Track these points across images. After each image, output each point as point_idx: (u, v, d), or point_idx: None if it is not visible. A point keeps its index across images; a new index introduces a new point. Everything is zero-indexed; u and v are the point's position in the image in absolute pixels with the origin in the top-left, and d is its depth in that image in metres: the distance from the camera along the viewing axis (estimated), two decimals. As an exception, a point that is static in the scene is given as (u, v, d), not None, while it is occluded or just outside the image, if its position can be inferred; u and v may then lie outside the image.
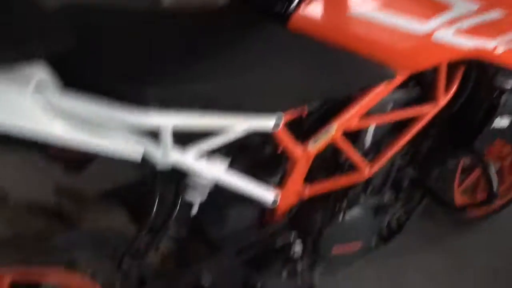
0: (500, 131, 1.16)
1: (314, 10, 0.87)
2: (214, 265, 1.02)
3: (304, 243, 1.12)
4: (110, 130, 0.73)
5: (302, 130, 1.02)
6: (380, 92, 1.01)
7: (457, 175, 1.43)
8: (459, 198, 1.59)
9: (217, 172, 0.92)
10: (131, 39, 0.80)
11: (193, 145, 0.85)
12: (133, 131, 0.76)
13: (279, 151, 1.01)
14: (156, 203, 0.89)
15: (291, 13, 0.86)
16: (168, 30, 0.86)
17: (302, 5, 0.86)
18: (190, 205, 0.98)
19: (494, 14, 0.93)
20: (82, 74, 0.70)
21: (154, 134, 0.79)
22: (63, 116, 0.67)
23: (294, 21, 0.87)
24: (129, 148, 0.76)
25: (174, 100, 0.75)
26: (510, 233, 1.78)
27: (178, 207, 0.90)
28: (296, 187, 1.08)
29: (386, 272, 1.63)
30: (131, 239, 0.87)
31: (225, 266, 1.03)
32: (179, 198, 0.91)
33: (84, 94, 0.68)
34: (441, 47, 0.94)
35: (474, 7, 0.92)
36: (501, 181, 1.71)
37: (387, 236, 1.37)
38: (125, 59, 0.75)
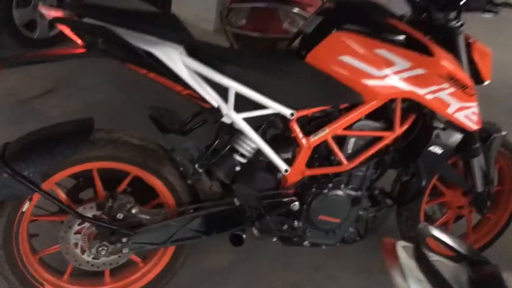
0: (435, 157, 1.81)
1: (317, 55, 1.64)
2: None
3: (300, 206, 1.76)
4: (208, 86, 1.49)
5: (307, 128, 1.73)
6: (357, 113, 1.72)
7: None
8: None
9: (254, 135, 1.63)
10: None
11: (244, 112, 1.59)
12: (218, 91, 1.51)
13: (291, 139, 1.71)
14: (217, 139, 1.62)
15: (305, 55, 1.64)
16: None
17: (310, 52, 1.64)
18: (235, 162, 1.68)
19: (420, 71, 1.66)
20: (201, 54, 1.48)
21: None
22: (186, 68, 1.44)
23: (308, 59, 1.64)
24: (213, 98, 1.51)
25: (244, 79, 1.51)
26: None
27: (229, 146, 1.62)
28: (301, 167, 1.74)
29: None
30: (201, 153, 1.58)
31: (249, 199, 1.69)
32: (230, 141, 1.63)
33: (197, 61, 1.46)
34: (390, 86, 1.66)
35: (408, 64, 1.65)
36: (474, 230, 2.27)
37: (363, 233, 1.95)
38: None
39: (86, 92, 3.09)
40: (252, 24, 2.46)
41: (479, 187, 2.00)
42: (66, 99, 3.00)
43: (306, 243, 1.84)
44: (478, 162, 1.97)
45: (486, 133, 1.98)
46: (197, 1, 4.36)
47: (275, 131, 1.71)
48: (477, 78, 1.88)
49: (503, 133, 2.03)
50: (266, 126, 1.68)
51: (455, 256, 1.03)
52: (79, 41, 1.41)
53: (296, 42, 1.73)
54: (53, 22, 1.37)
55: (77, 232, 1.64)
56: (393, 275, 0.96)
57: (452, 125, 1.83)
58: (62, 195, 1.65)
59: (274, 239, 1.80)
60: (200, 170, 1.60)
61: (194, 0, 4.39)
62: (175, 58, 1.42)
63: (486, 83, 1.90)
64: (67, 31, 1.40)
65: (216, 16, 3.83)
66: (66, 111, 2.76)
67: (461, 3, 1.67)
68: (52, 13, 1.38)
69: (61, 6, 1.43)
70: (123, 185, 1.68)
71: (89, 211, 1.62)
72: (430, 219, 2.20)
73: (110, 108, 2.89)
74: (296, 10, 2.38)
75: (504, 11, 1.79)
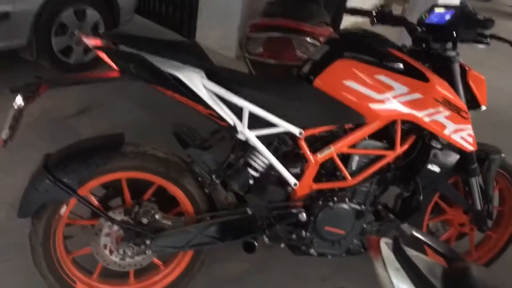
0: (434, 175, 1.96)
1: (323, 80, 1.83)
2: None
3: (308, 217, 1.92)
4: (225, 106, 1.69)
5: (314, 145, 1.91)
6: (361, 133, 1.89)
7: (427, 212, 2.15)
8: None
9: (265, 151, 1.81)
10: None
11: (257, 129, 1.77)
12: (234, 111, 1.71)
13: (300, 155, 1.89)
14: (232, 153, 1.81)
15: (313, 80, 1.83)
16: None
17: (318, 77, 1.83)
18: (249, 175, 1.86)
19: (417, 95, 1.83)
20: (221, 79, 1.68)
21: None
22: (206, 90, 1.64)
23: (315, 83, 1.83)
24: (230, 117, 1.70)
25: (257, 100, 1.71)
26: None
27: (243, 161, 1.80)
28: (308, 182, 1.92)
29: None
30: (218, 166, 1.77)
31: (261, 210, 1.86)
32: (244, 156, 1.81)
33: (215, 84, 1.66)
34: (390, 109, 1.83)
35: (406, 89, 1.82)
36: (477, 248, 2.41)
37: (368, 245, 2.09)
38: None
39: (117, 113, 3.35)
40: (268, 52, 2.68)
41: (478, 205, 2.13)
42: (98, 118, 3.25)
43: (313, 252, 2.00)
44: (476, 182, 2.10)
45: (484, 155, 2.12)
46: (220, 31, 4.64)
47: (285, 148, 1.89)
48: (475, 103, 2.04)
49: (502, 155, 2.17)
50: (277, 143, 1.86)
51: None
52: (114, 66, 1.63)
53: (306, 68, 1.92)
54: (93, 49, 1.60)
55: (107, 235, 1.83)
56: (376, 266, 1.12)
57: (449, 146, 1.98)
58: (94, 201, 1.85)
59: (282, 245, 1.96)
60: (217, 181, 1.79)
61: (217, 30, 4.67)
62: (196, 81, 1.63)
63: (483, 108, 2.06)
64: (104, 56, 1.62)
65: (237, 45, 4.07)
66: (98, 129, 3.00)
67: (454, 35, 1.85)
68: (92, 41, 1.61)
69: (99, 36, 1.66)
70: (148, 194, 1.87)
71: (118, 216, 1.81)
72: (434, 236, 2.32)
73: (139, 127, 3.13)
74: (308, 39, 2.59)
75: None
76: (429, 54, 1.96)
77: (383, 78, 1.82)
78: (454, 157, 2.00)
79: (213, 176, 1.78)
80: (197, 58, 1.66)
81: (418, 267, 1.05)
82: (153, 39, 1.69)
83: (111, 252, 1.85)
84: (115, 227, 1.82)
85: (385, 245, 1.14)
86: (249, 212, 1.87)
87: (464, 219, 2.27)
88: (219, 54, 4.45)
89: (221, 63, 1.81)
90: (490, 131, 3.53)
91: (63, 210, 1.77)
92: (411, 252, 1.12)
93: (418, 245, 1.26)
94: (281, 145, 1.88)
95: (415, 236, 1.16)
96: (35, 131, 2.98)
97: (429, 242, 1.17)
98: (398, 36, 3.42)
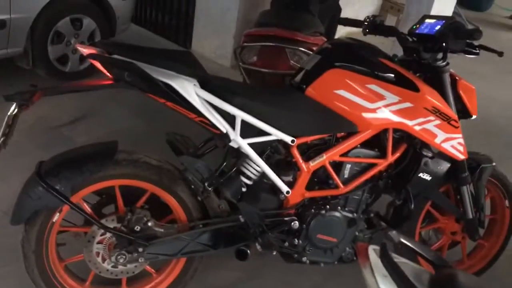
0: (425, 183, 1.98)
1: (315, 89, 1.85)
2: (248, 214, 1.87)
3: (300, 225, 1.93)
4: (217, 114, 1.70)
5: (306, 153, 1.92)
6: (353, 141, 1.91)
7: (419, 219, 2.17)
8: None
9: (258, 159, 1.82)
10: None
11: (249, 138, 1.79)
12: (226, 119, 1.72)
13: (292, 163, 1.90)
14: (225, 161, 1.82)
15: (305, 89, 1.85)
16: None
17: (310, 86, 1.85)
18: (242, 183, 1.87)
19: (408, 105, 1.85)
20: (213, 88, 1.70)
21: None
22: (199, 98, 1.66)
23: (307, 92, 1.85)
24: (222, 125, 1.72)
25: (250, 108, 1.72)
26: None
27: (235, 169, 1.82)
28: (301, 189, 1.93)
29: None
30: (210, 174, 1.78)
31: (254, 218, 1.87)
32: (237, 164, 1.83)
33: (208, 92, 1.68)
34: (381, 118, 1.85)
35: (397, 98, 1.84)
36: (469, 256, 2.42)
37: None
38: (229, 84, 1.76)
39: (111, 121, 3.36)
40: (262, 61, 2.70)
41: (470, 214, 2.15)
42: (93, 126, 3.27)
43: (305, 259, 2.01)
44: (467, 190, 2.12)
45: (475, 163, 2.14)
46: (216, 40, 4.66)
47: (278, 156, 1.90)
48: (465, 112, 2.06)
49: (493, 164, 2.19)
50: (269, 151, 1.88)
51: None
52: (108, 74, 1.65)
53: (298, 77, 1.94)
54: (88, 57, 1.61)
55: (99, 242, 1.83)
56: (364, 272, 1.14)
57: (440, 154, 2.00)
58: (87, 208, 1.86)
59: (274, 253, 1.97)
60: (210, 189, 1.79)
61: (213, 39, 4.70)
62: (189, 90, 1.64)
63: (473, 117, 2.08)
64: (98, 65, 1.63)
65: (232, 54, 4.10)
66: (92, 137, 3.01)
67: (444, 45, 1.87)
68: (87, 50, 1.63)
69: (94, 45, 1.67)
70: (141, 201, 1.88)
71: (111, 223, 1.82)
72: (426, 244, 2.33)
73: (133, 135, 3.14)
74: (302, 48, 2.62)
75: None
76: (420, 64, 1.99)
77: (374, 87, 1.84)
78: (445, 166, 2.02)
79: (206, 184, 1.79)
80: (190, 67, 1.68)
81: (405, 274, 1.06)
82: (147, 48, 1.71)
83: (103, 259, 1.85)
84: (108, 235, 1.83)
85: (373, 251, 1.15)
86: (242, 219, 1.88)
87: (456, 228, 2.28)
88: (215, 63, 4.47)
89: (217, 72, 1.84)
90: (481, 140, 3.56)
91: (56, 217, 1.78)
92: (398, 259, 1.13)
93: (409, 253, 1.28)
94: (274, 153, 1.90)
95: (403, 243, 1.17)
96: (29, 138, 2.99)
97: (417, 249, 1.19)
98: (392, 46, 3.46)
